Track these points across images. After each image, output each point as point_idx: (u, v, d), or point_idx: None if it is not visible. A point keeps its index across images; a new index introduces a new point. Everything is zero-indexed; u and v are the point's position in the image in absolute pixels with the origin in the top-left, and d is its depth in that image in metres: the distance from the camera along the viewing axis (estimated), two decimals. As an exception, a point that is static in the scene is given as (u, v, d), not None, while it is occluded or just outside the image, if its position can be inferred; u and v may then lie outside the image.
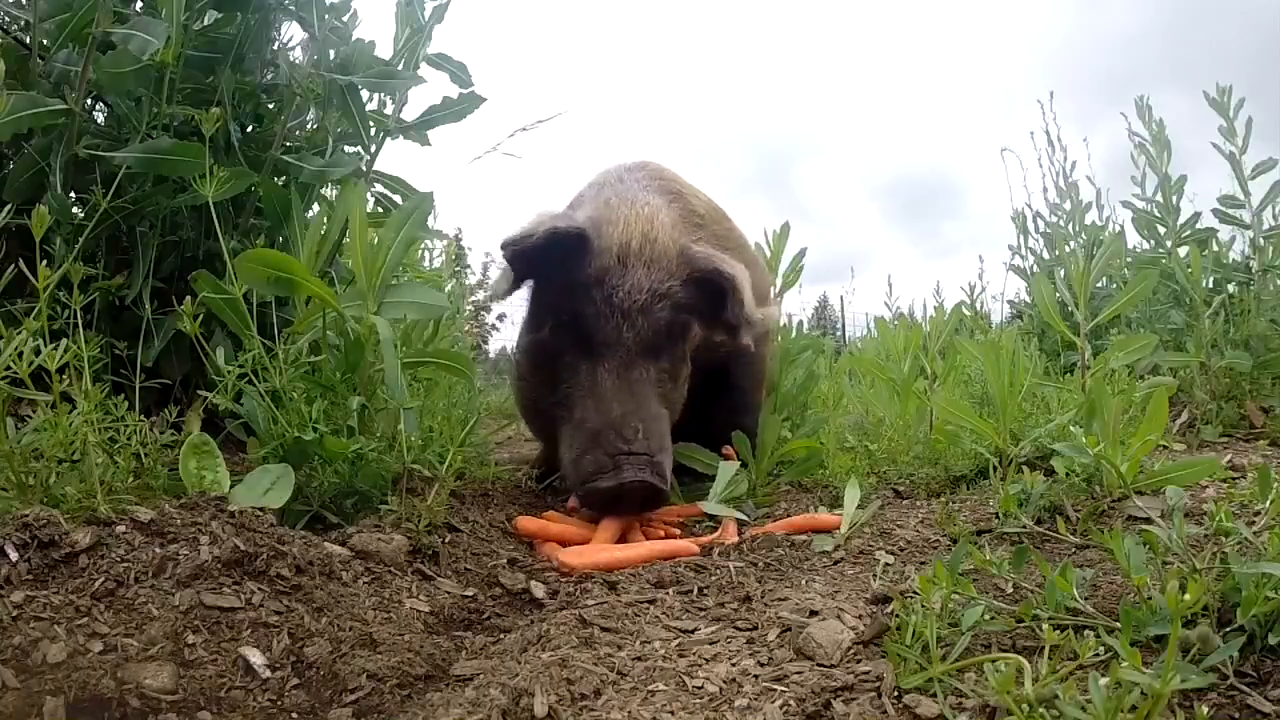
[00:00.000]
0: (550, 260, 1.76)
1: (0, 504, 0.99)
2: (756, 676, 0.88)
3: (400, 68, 1.81)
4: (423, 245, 2.69)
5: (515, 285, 1.85)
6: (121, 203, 1.59)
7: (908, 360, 2.32)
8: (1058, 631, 0.74)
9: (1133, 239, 3.08)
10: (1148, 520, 1.12)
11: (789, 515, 1.68)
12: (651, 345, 1.75)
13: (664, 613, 1.12)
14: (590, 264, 1.76)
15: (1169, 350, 2.46)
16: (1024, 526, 1.30)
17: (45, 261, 1.14)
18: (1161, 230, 2.80)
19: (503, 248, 1.74)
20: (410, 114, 1.88)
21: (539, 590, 1.25)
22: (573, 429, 1.68)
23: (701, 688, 0.86)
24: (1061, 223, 3.56)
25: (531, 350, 1.92)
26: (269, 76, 1.93)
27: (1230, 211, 2.64)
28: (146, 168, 1.56)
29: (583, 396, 1.70)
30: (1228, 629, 0.79)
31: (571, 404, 1.72)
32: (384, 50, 1.83)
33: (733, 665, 0.92)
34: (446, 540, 1.33)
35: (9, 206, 1.22)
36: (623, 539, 1.58)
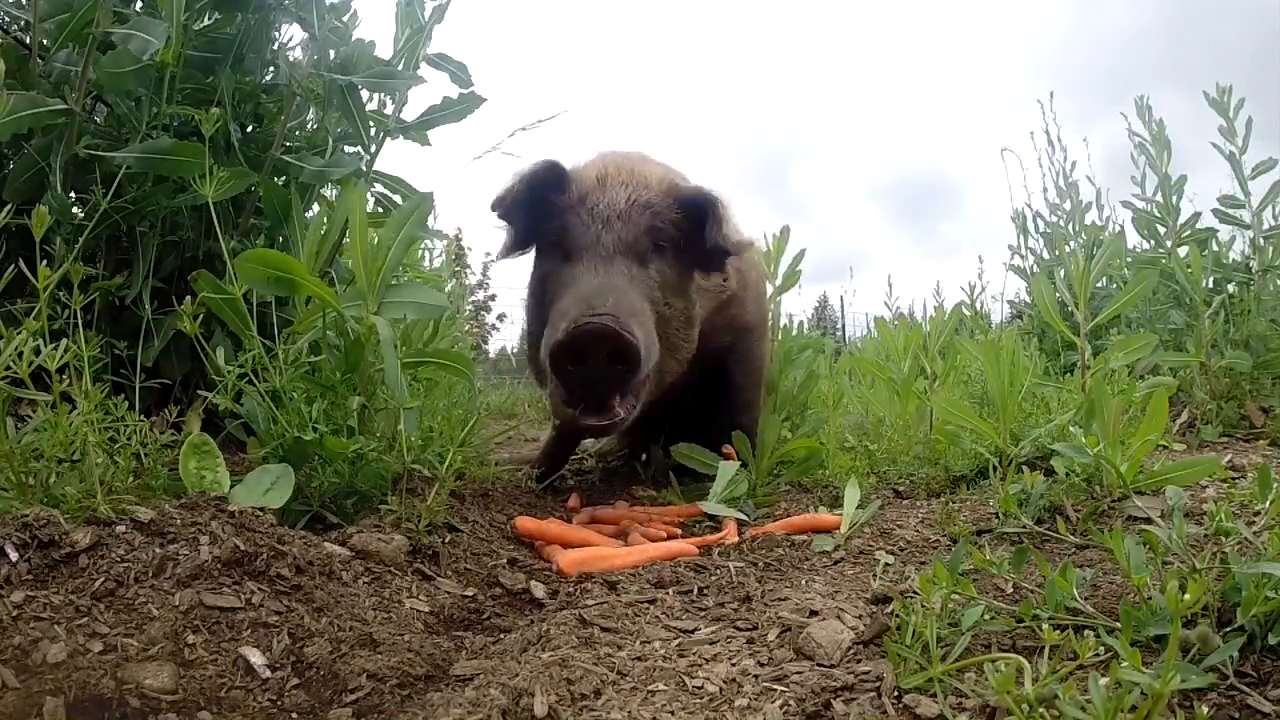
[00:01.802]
0: (537, 206, 1.82)
1: (0, 504, 0.99)
2: (756, 676, 0.88)
3: (400, 68, 1.81)
4: (423, 245, 2.69)
5: (516, 243, 1.90)
6: (121, 203, 1.59)
7: (908, 360, 2.32)
8: (1058, 631, 0.74)
9: (1133, 239, 3.09)
10: (1148, 520, 1.12)
11: (789, 515, 1.68)
12: (633, 248, 1.75)
13: (664, 613, 1.12)
14: (571, 190, 1.82)
15: (1169, 350, 2.46)
16: (1024, 526, 1.30)
17: (45, 261, 1.14)
18: (1161, 230, 2.80)
19: (493, 209, 1.79)
20: (410, 114, 1.88)
21: (539, 590, 1.25)
22: (549, 322, 1.65)
23: (701, 688, 0.86)
24: (1061, 223, 3.56)
25: (530, 294, 1.94)
26: (269, 76, 1.93)
27: (1230, 211, 2.64)
28: (146, 168, 1.56)
29: (561, 294, 1.68)
30: (1228, 629, 0.79)
31: (553, 308, 1.69)
32: (384, 50, 1.83)
33: (733, 665, 0.92)
34: (446, 540, 1.33)
35: (9, 206, 1.22)
36: (622, 539, 1.58)
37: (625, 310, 1.58)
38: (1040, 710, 0.64)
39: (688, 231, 1.84)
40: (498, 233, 1.93)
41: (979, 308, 3.45)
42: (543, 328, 1.77)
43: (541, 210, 1.84)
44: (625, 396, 1.65)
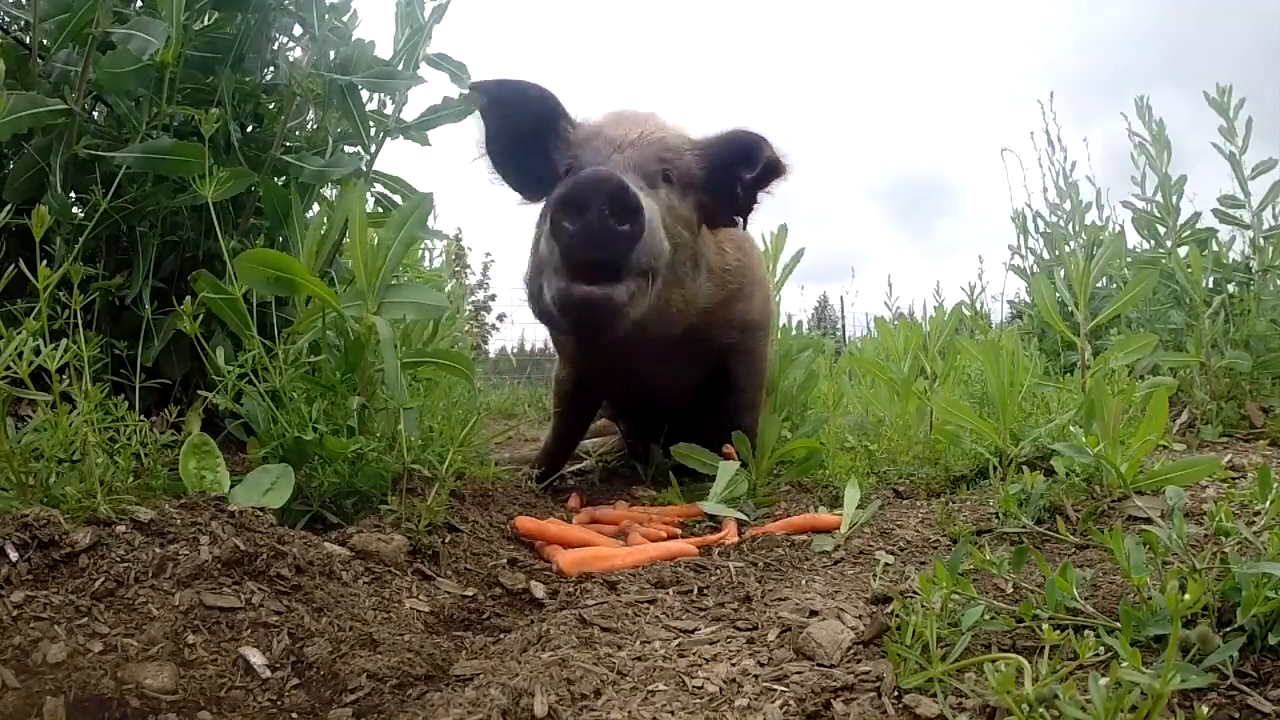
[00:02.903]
0: (529, 129, 1.80)
1: (0, 504, 0.99)
2: (756, 676, 0.88)
3: (400, 68, 1.81)
4: (423, 245, 2.69)
5: (492, 142, 1.86)
6: (121, 203, 1.59)
7: (908, 360, 2.32)
8: (1058, 631, 0.74)
9: (1133, 239, 3.09)
10: (1148, 520, 1.12)
11: (789, 515, 1.68)
12: (643, 169, 1.70)
13: (664, 613, 1.12)
14: (580, 130, 1.81)
15: (1169, 350, 2.45)
16: (1024, 526, 1.30)
17: (45, 261, 1.14)
18: (1161, 230, 2.80)
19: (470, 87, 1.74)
20: (410, 114, 1.88)
21: (539, 590, 1.25)
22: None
23: (701, 688, 0.86)
24: (1061, 223, 3.56)
25: (538, 225, 1.81)
26: (269, 76, 1.93)
27: (1230, 211, 2.64)
28: (146, 168, 1.56)
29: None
30: (1228, 629, 0.79)
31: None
32: (384, 50, 1.82)
33: (733, 665, 0.92)
34: (446, 540, 1.33)
35: (9, 206, 1.22)
36: (622, 539, 1.58)
37: (629, 175, 1.56)
38: (1040, 710, 0.64)
39: (704, 177, 1.82)
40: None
41: (979, 308, 3.45)
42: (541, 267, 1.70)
43: (538, 135, 1.81)
44: (626, 274, 1.55)
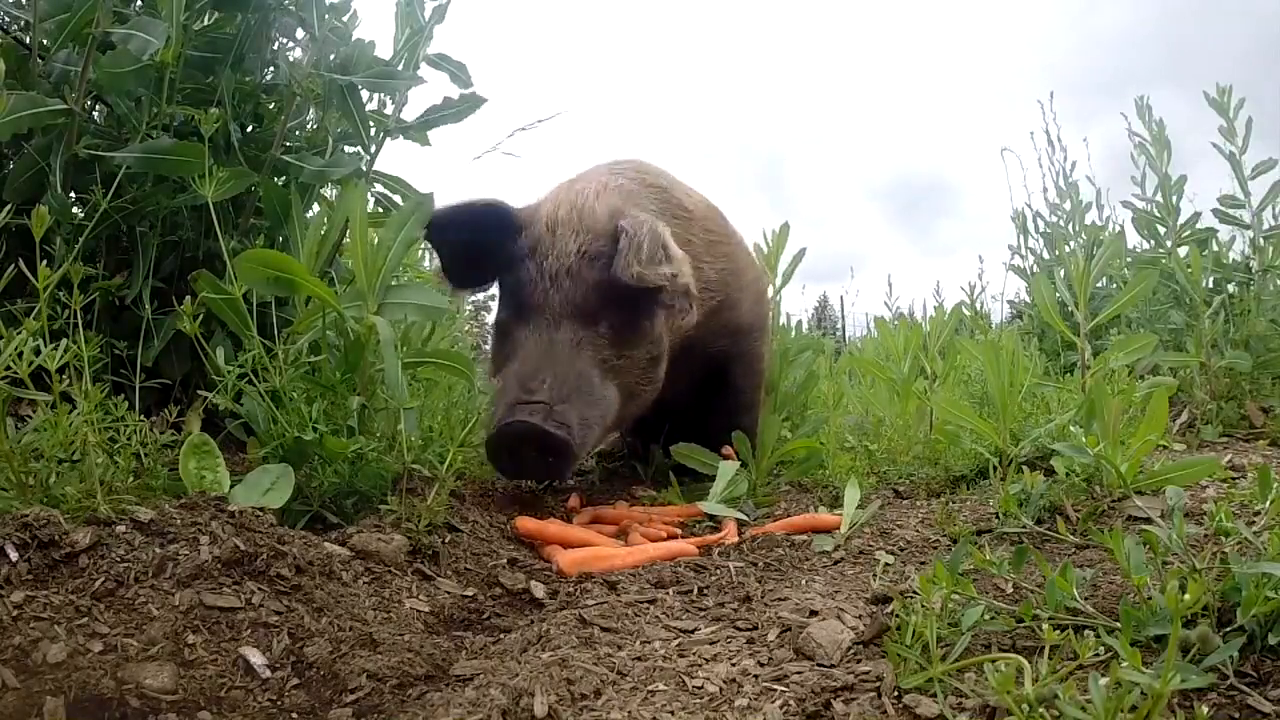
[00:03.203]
0: (484, 240, 1.80)
1: (0, 504, 0.99)
2: (756, 676, 0.88)
3: (400, 68, 1.81)
4: (423, 245, 2.69)
5: (449, 270, 1.88)
6: (121, 203, 1.59)
7: (908, 360, 2.32)
8: (1058, 631, 0.74)
9: (1133, 239, 3.09)
10: (1148, 520, 1.12)
11: (789, 515, 1.68)
12: (582, 308, 1.71)
13: (664, 613, 1.12)
14: (523, 238, 1.79)
15: (1169, 350, 2.46)
16: (1024, 526, 1.30)
17: (45, 261, 1.14)
18: (1161, 230, 2.80)
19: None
20: (410, 114, 1.88)
21: (539, 590, 1.25)
22: (493, 395, 1.66)
23: (701, 688, 0.86)
24: (1061, 223, 3.56)
25: (493, 330, 1.93)
26: (269, 76, 1.93)
27: (1230, 211, 2.64)
28: (146, 168, 1.56)
29: (510, 362, 1.69)
30: (1228, 629, 0.79)
31: (503, 371, 1.70)
32: (384, 50, 1.83)
33: (733, 665, 0.92)
34: (446, 540, 1.33)
35: (9, 206, 1.22)
36: (623, 539, 1.58)
37: (561, 393, 1.59)
38: (1040, 710, 0.64)
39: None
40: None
41: (979, 308, 3.45)
42: (496, 368, 1.79)
43: (488, 251, 1.82)
44: (565, 467, 1.64)
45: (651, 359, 1.85)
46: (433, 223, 1.68)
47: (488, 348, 2.07)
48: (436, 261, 1.92)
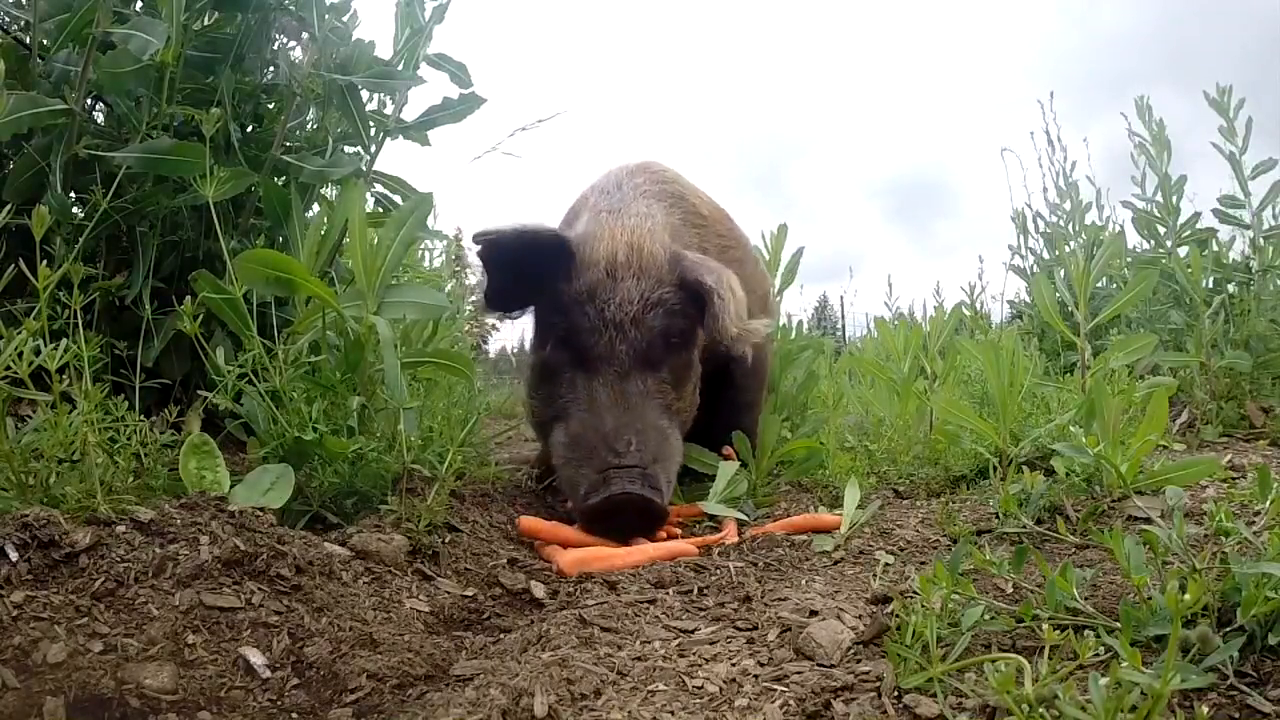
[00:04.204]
0: (531, 267, 1.75)
1: (0, 504, 0.99)
2: (756, 676, 0.88)
3: (400, 68, 1.81)
4: (423, 245, 2.69)
5: (493, 293, 1.83)
6: (121, 203, 1.59)
7: (908, 360, 2.32)
8: (1058, 631, 0.73)
9: (1133, 239, 3.09)
10: (1148, 520, 1.12)
11: (789, 515, 1.68)
12: (647, 357, 1.71)
13: (664, 613, 1.12)
14: (580, 279, 1.75)
15: (1169, 350, 2.46)
16: (1024, 526, 1.30)
17: (45, 261, 1.14)
18: (1161, 230, 2.80)
19: (475, 239, 1.73)
20: (410, 114, 1.88)
21: (539, 590, 1.25)
22: (567, 445, 1.65)
23: (701, 688, 0.86)
24: (1061, 223, 3.55)
25: (536, 368, 1.89)
26: (269, 76, 1.93)
27: (1230, 211, 2.64)
28: (146, 168, 1.56)
29: (578, 411, 1.67)
30: (1228, 629, 0.79)
31: (568, 419, 1.68)
32: (384, 50, 1.83)
33: (733, 665, 0.92)
34: (446, 540, 1.33)
35: (9, 206, 1.22)
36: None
37: (650, 453, 1.60)
38: (1040, 710, 0.64)
39: (696, 312, 1.79)
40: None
41: (979, 308, 3.45)
42: (547, 408, 1.76)
43: (542, 280, 1.78)
44: (657, 529, 1.65)
45: (694, 388, 1.88)
46: (497, 243, 1.67)
47: (523, 382, 1.99)
48: (479, 279, 1.87)
